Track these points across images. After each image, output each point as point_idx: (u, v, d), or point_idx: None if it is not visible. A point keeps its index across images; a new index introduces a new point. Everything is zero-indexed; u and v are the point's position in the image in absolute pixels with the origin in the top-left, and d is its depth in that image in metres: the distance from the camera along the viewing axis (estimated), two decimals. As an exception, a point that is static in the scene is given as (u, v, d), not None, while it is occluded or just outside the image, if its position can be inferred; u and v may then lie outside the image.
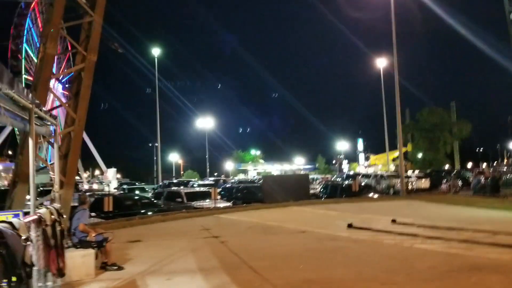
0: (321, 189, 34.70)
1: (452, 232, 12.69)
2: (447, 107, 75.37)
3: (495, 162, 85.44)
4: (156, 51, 53.58)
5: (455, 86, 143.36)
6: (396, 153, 52.46)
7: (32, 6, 58.55)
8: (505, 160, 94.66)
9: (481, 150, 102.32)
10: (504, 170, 41.78)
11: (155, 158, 66.37)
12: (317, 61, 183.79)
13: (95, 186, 47.94)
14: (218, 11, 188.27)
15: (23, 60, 58.23)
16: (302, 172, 65.02)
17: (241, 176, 68.06)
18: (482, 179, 31.56)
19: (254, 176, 62.32)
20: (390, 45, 34.41)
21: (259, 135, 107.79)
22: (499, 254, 9.54)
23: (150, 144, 79.89)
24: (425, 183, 39.07)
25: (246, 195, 28.94)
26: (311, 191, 31.93)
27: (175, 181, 50.75)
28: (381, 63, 50.27)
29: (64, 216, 7.19)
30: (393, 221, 15.34)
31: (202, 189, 29.44)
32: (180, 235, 14.59)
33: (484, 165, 59.08)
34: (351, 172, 58.79)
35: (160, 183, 46.43)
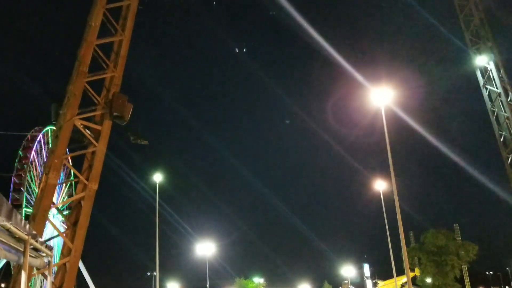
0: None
1: None
2: (451, 230, 74.51)
3: (508, 286, 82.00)
4: (157, 177, 54.23)
5: (457, 209, 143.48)
6: (404, 279, 50.33)
7: (37, 137, 60.75)
8: None
9: (491, 273, 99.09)
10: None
11: (152, 288, 63.40)
12: (317, 184, 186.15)
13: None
14: (213, 128, 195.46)
15: (24, 194, 58.51)
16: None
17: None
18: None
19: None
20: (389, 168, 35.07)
21: (263, 260, 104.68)
22: None
23: (149, 274, 76.91)
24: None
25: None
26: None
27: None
28: (380, 185, 50.78)
29: None
30: None
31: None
32: None
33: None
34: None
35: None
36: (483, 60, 20.66)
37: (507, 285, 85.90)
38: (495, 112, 20.23)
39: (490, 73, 20.47)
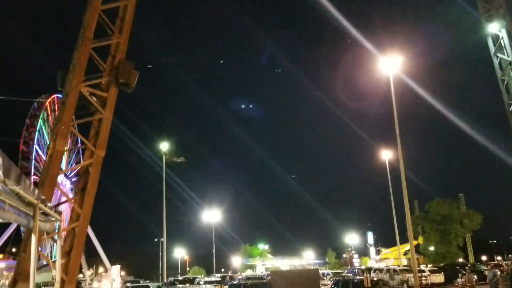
0: (332, 285, 33.27)
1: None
2: (456, 199, 74.67)
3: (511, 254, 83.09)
4: (164, 146, 54.43)
5: (463, 178, 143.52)
6: (407, 247, 51.01)
7: (44, 105, 60.84)
8: None
9: (494, 242, 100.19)
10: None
11: (160, 254, 64.72)
12: (325, 153, 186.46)
13: (96, 284, 46.25)
14: (221, 98, 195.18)
15: (33, 161, 59.07)
16: (312, 267, 62.84)
17: (248, 272, 65.75)
18: (498, 273, 30.32)
19: (262, 272, 60.23)
20: (395, 138, 35.02)
21: (268, 227, 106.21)
22: None
23: (156, 240, 78.46)
24: (439, 277, 37.54)
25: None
26: (322, 287, 30.63)
27: (180, 278, 49.00)
28: (386, 155, 50.77)
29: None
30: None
31: (208, 286, 28.34)
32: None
33: (499, 258, 57.16)
34: (363, 267, 56.78)
35: (165, 281, 44.82)
36: (494, 28, 20.23)
37: (510, 254, 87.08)
38: (505, 81, 19.95)
39: (502, 41, 20.07)
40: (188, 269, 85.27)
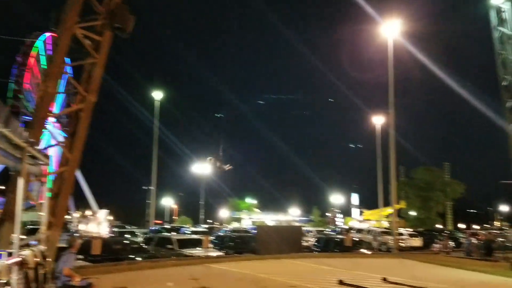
0: (314, 242, 34.22)
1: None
2: (442, 167, 75.96)
3: (488, 224, 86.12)
4: (157, 95, 54.05)
5: (451, 147, 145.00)
6: (389, 210, 52.17)
7: (36, 43, 59.38)
8: (497, 223, 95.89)
9: (473, 211, 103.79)
10: (497, 233, 41.72)
11: (147, 201, 65.66)
12: (313, 115, 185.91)
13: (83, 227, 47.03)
14: (213, 62, 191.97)
15: (23, 100, 58.17)
16: (296, 224, 64.38)
17: (235, 225, 67.25)
18: (474, 241, 31.47)
19: (248, 225, 61.64)
20: (386, 102, 35.13)
21: (257, 184, 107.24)
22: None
23: (145, 187, 79.11)
24: (417, 241, 38.82)
25: (239, 245, 28.49)
26: (305, 244, 31.54)
27: (167, 226, 49.98)
28: (377, 120, 51.02)
29: (49, 259, 7.04)
30: (384, 279, 15.05)
31: (194, 236, 28.99)
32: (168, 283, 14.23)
33: (476, 226, 59.05)
34: (346, 226, 58.32)
35: (152, 228, 45.72)
36: (498, 0, 19.90)
37: (485, 224, 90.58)
38: (503, 56, 19.85)
39: (504, 14, 19.81)
40: (175, 218, 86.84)
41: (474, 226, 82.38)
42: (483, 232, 43.69)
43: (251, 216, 77.01)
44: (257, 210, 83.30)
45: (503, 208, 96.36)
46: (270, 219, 76.45)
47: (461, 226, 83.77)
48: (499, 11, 20.03)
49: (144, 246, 22.93)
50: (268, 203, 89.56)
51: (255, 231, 32.78)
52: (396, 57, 35.42)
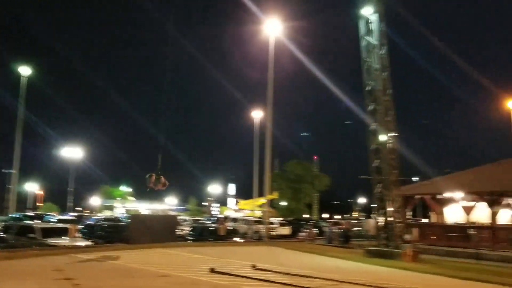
0: (190, 231, 34.54)
1: (304, 279, 13.57)
2: (312, 161, 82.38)
3: (348, 214, 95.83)
4: (25, 70, 49.59)
5: (322, 143, 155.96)
6: (263, 200, 54.70)
7: None
8: (356, 214, 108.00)
9: (336, 203, 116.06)
10: (354, 223, 46.70)
11: (8, 186, 59.76)
12: (196, 103, 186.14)
13: None
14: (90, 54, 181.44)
15: None
16: (171, 213, 64.04)
17: (107, 213, 64.65)
18: (335, 230, 34.69)
19: (122, 214, 59.67)
20: (264, 97, 36.70)
21: (133, 173, 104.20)
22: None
23: (5, 171, 71.77)
24: (286, 230, 41.47)
25: (111, 234, 27.66)
26: (180, 233, 31.68)
27: (30, 214, 46.23)
28: (256, 114, 53.32)
29: None
30: (254, 266, 15.86)
31: (60, 225, 27.32)
32: (27, 276, 13.30)
33: (338, 216, 65.16)
34: (222, 216, 59.66)
35: (11, 215, 42.00)
36: (368, 11, 21.86)
37: (346, 214, 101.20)
38: (367, 63, 21.95)
39: (371, 25, 21.86)
40: (40, 204, 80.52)
41: (336, 216, 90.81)
42: (345, 222, 48.35)
43: (125, 205, 74.60)
44: (132, 198, 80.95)
45: (361, 200, 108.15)
46: (145, 208, 74.95)
47: (325, 215, 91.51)
48: (367, 22, 22.04)
49: (1, 234, 21.09)
50: (144, 192, 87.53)
51: (129, 220, 32.05)
52: (277, 54, 37.26)
